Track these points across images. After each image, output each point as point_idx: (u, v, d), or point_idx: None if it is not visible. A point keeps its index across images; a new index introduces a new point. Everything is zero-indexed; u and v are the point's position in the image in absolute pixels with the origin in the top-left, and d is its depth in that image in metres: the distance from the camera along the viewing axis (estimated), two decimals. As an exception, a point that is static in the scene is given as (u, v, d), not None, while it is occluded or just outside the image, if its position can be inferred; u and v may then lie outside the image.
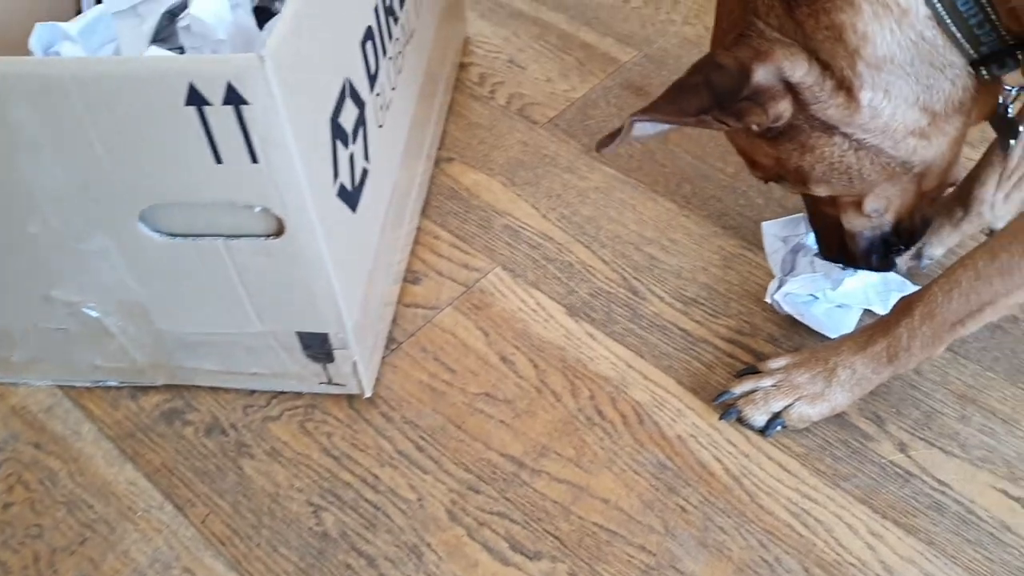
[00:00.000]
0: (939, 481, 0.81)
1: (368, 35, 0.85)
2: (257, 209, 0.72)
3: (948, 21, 0.70)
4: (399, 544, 0.80)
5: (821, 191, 0.83)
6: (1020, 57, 0.73)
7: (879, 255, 0.90)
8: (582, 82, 1.24)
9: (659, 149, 1.13)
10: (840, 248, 0.90)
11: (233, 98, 0.65)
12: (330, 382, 0.89)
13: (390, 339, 0.95)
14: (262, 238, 0.75)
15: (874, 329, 0.83)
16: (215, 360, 0.88)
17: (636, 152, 1.13)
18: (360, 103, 0.82)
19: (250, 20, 0.78)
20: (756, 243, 1.02)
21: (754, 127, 0.76)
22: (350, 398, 0.90)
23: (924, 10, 0.69)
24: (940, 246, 0.97)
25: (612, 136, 0.75)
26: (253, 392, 0.92)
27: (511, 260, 1.02)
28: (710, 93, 0.73)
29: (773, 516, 0.80)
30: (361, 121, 0.83)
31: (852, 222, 0.87)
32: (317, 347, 0.85)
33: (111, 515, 0.84)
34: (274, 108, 0.65)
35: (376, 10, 0.87)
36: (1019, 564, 0.76)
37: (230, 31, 0.77)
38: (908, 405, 0.86)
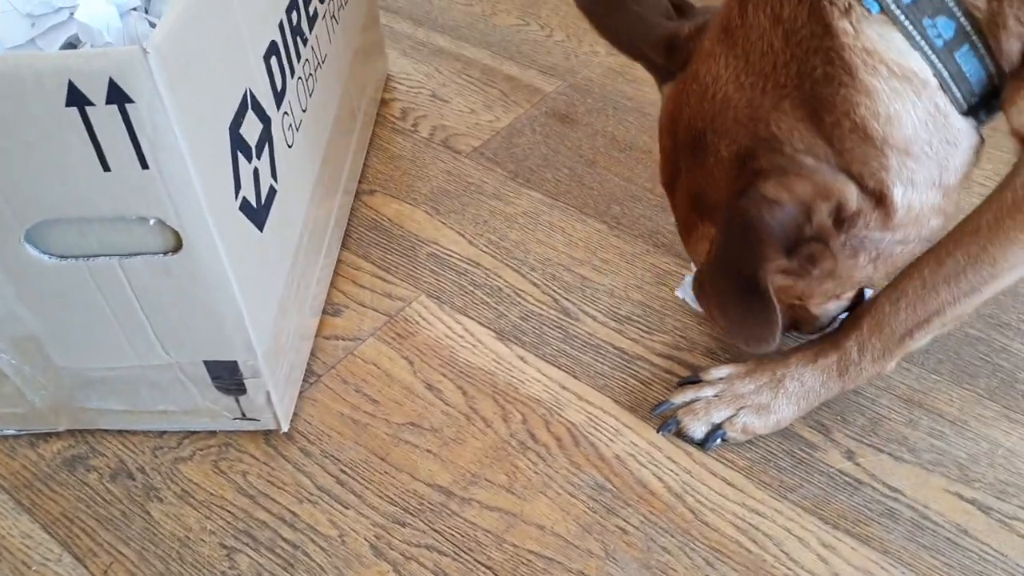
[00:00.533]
0: (890, 488, 0.77)
1: (272, 50, 0.81)
2: (151, 221, 0.67)
3: (954, 88, 0.65)
4: (320, 584, 0.74)
5: (812, 302, 0.79)
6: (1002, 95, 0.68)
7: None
8: (506, 112, 1.22)
9: (587, 173, 1.10)
10: (791, 325, 0.84)
11: (116, 96, 0.60)
12: (244, 417, 0.83)
13: (309, 372, 0.90)
14: (159, 255, 0.70)
15: (824, 342, 0.79)
16: (120, 399, 0.82)
17: (564, 176, 1.10)
18: (265, 118, 0.78)
19: (145, 27, 0.73)
20: (688, 258, 0.98)
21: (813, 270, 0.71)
22: (267, 435, 0.85)
23: (934, 80, 0.64)
24: None
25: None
26: (163, 433, 0.85)
27: (437, 287, 0.98)
28: (771, 236, 0.65)
29: (719, 533, 0.75)
30: (267, 137, 0.79)
31: (825, 309, 0.82)
32: (227, 377, 0.79)
33: (3, 572, 0.76)
34: (161, 106, 0.61)
35: (281, 26, 0.84)
36: (978, 568, 0.72)
37: (119, 36, 0.73)
38: (853, 412, 0.83)
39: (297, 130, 0.87)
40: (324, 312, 0.95)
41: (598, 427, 0.83)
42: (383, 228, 1.05)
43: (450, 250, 1.02)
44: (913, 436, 0.81)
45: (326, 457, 0.83)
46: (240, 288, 0.73)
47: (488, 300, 0.96)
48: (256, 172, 0.76)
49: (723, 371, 0.83)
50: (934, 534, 0.74)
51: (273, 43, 0.81)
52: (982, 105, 0.67)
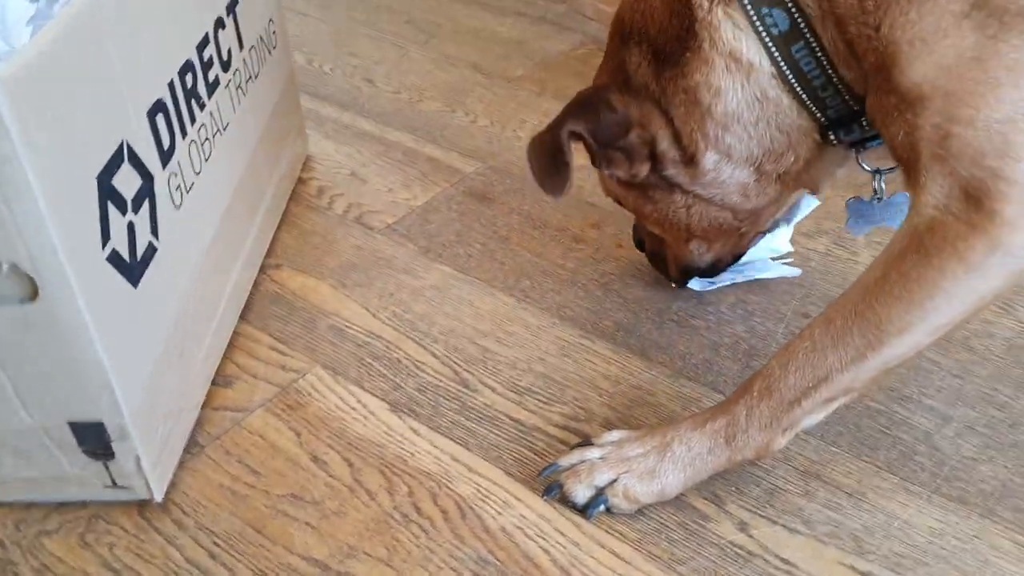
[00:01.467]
0: (783, 560, 0.74)
1: (159, 107, 0.80)
2: (4, 266, 0.65)
3: (793, 81, 0.70)
4: (176, 662, 0.69)
5: (655, 230, 0.91)
6: (864, 124, 0.71)
7: (688, 278, 0.97)
8: (424, 191, 1.21)
9: (499, 248, 1.09)
10: (663, 264, 0.98)
11: (-40, 124, 0.58)
12: (115, 485, 0.79)
13: (192, 443, 0.86)
14: (15, 304, 0.67)
15: (716, 408, 0.77)
16: (-18, 467, 0.78)
17: (476, 251, 1.09)
18: (147, 174, 0.77)
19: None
20: (595, 332, 0.97)
21: (613, 173, 0.82)
22: (141, 506, 0.81)
23: (769, 67, 0.70)
24: None
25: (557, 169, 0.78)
26: (31, 505, 0.81)
27: (334, 359, 0.95)
28: (594, 127, 0.77)
29: (602, 606, 0.71)
30: (148, 193, 0.77)
31: (677, 254, 0.94)
32: (93, 440, 0.75)
33: None
34: (9, 138, 0.59)
35: (172, 86, 0.83)
36: (870, 643, 0.68)
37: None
38: (749, 483, 0.80)
39: (187, 192, 0.85)
40: (215, 383, 0.92)
41: (487, 499, 0.80)
42: (285, 301, 1.03)
43: (351, 322, 0.99)
44: (809, 508, 0.78)
45: (200, 529, 0.79)
46: (104, 343, 0.70)
47: (385, 372, 0.93)
48: (131, 226, 0.74)
49: (614, 435, 0.80)
50: (826, 608, 0.71)
51: (160, 101, 0.80)
52: (844, 122, 0.71)
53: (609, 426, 0.86)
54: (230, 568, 0.76)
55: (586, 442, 0.81)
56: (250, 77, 1.05)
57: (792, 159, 0.76)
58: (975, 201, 0.61)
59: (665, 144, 0.78)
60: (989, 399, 0.87)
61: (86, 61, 0.68)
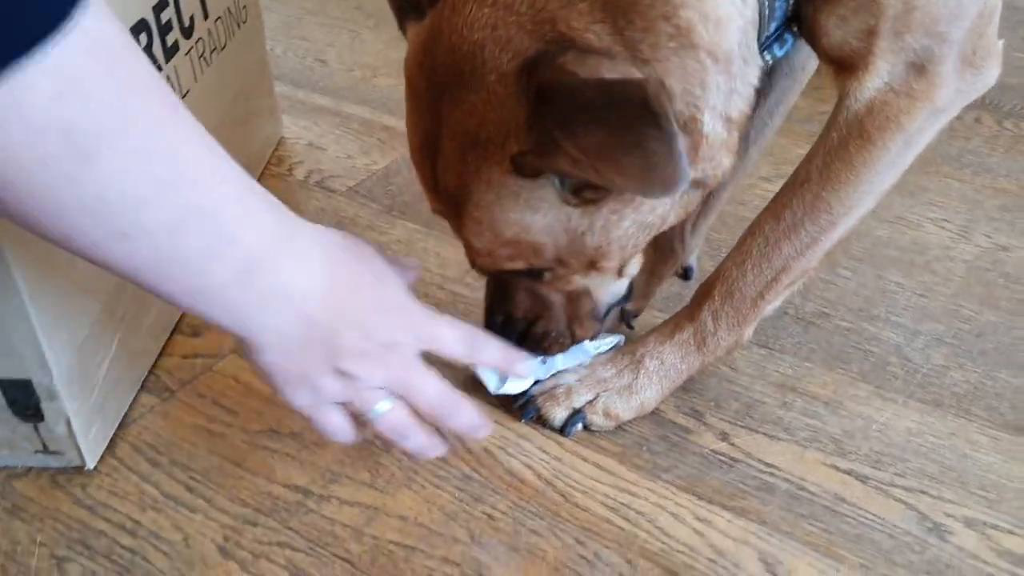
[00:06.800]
0: (766, 464, 0.75)
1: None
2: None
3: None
4: (158, 587, 0.68)
5: (612, 262, 0.68)
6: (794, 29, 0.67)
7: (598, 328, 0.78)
8: (383, 156, 1.21)
9: (462, 204, 1.09)
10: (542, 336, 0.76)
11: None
12: (45, 450, 0.76)
13: (162, 389, 0.85)
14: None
15: (679, 317, 0.78)
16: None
17: (438, 208, 1.09)
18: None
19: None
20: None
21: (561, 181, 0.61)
22: (111, 449, 0.78)
23: None
24: (642, 299, 0.88)
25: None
26: (-5, 455, 0.78)
27: (304, 307, 0.94)
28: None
29: (590, 513, 0.71)
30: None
31: (599, 295, 0.74)
32: (22, 400, 0.72)
33: None
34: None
35: (134, 24, 0.82)
36: (856, 531, 0.69)
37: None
38: (727, 399, 0.81)
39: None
40: (182, 333, 0.91)
41: (467, 424, 0.79)
42: (250, 256, 1.02)
43: (319, 273, 0.98)
44: (788, 417, 0.79)
45: (175, 465, 0.77)
46: (34, 299, 0.67)
47: (357, 316, 0.92)
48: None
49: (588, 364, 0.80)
50: (811, 503, 0.71)
51: None
52: (777, 38, 0.65)
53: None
54: (209, 500, 0.74)
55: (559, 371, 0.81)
56: (215, 48, 1.03)
57: (749, 94, 0.63)
58: (918, 69, 0.64)
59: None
60: (954, 313, 0.89)
61: None
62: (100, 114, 0.45)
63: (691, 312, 0.77)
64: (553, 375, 0.79)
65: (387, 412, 0.62)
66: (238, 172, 0.54)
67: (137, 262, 0.51)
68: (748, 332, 0.75)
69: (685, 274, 0.93)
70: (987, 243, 0.98)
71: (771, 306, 0.75)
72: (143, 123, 0.48)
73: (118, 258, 0.50)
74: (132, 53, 0.48)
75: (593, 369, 0.78)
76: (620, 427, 0.78)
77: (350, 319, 0.59)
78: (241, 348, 0.59)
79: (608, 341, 0.82)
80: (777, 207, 0.72)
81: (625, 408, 0.76)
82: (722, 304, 0.74)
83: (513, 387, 0.78)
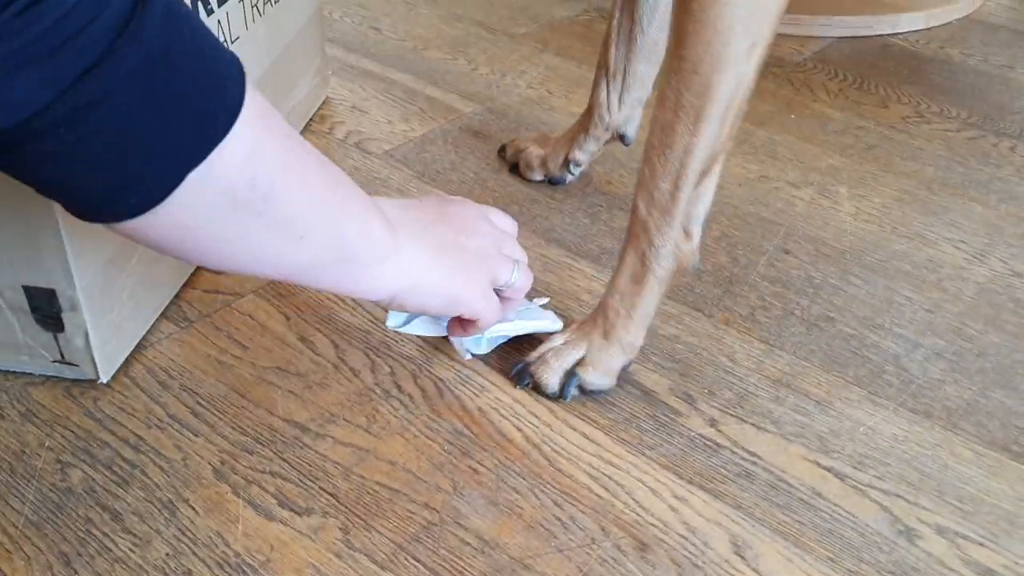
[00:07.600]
0: (749, 452, 0.76)
1: None
2: None
3: None
4: (151, 500, 0.71)
5: None
6: None
7: None
8: (422, 125, 1.24)
9: (491, 178, 1.12)
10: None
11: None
12: (63, 360, 0.79)
13: (181, 319, 0.88)
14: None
15: (620, 257, 0.79)
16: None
17: (468, 179, 1.11)
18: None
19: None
20: (579, 253, 0.99)
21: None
22: (126, 366, 0.82)
23: None
24: (584, 154, 1.08)
25: None
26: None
27: (325, 257, 0.97)
28: None
29: (571, 479, 0.73)
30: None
31: None
32: (45, 308, 0.76)
33: None
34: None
35: (191, -34, 0.85)
36: (828, 526, 0.70)
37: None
38: (721, 387, 0.82)
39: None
40: (206, 270, 0.94)
41: (465, 383, 0.82)
42: (281, 204, 1.05)
43: (344, 227, 1.01)
44: (778, 411, 0.80)
45: (184, 390, 0.80)
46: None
47: (375, 271, 0.95)
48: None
49: (572, 326, 0.83)
50: (788, 495, 0.73)
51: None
52: None
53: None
54: (211, 425, 0.77)
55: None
56: (268, 1, 1.07)
57: None
58: None
59: None
60: (958, 331, 0.90)
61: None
62: (273, 162, 0.53)
63: (628, 245, 0.78)
64: (547, 341, 0.82)
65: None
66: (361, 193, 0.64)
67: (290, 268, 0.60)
68: (690, 240, 0.78)
69: (622, 139, 1.07)
70: (1002, 268, 0.99)
71: (700, 203, 0.77)
72: (297, 158, 0.56)
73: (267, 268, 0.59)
74: (273, 109, 0.55)
75: (578, 329, 0.81)
76: (611, 402, 0.80)
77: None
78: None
79: (541, 300, 0.90)
80: (661, 95, 0.72)
81: (612, 354, 0.79)
82: (648, 211, 0.75)
83: (478, 347, 0.84)
